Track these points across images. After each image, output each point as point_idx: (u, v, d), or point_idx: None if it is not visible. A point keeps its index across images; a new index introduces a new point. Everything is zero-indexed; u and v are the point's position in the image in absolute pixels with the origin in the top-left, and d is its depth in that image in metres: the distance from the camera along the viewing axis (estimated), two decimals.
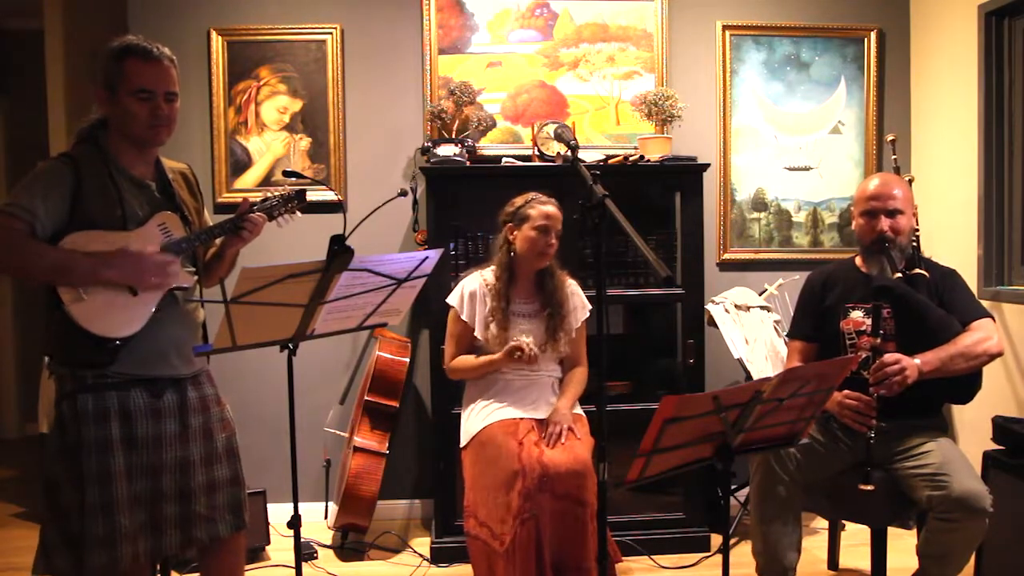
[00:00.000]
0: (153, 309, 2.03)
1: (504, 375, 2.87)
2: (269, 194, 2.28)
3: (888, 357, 2.43)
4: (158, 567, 2.35)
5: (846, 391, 2.50)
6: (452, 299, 2.94)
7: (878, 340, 2.47)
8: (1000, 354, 2.51)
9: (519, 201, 2.89)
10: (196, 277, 2.20)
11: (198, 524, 2.13)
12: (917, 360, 2.43)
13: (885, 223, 2.58)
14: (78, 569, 1.98)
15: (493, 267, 2.92)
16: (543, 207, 2.85)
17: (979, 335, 2.49)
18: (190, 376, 2.18)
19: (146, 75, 2.05)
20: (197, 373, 2.21)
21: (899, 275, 2.55)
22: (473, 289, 2.91)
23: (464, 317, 2.89)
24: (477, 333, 2.87)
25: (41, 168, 2.03)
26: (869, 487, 2.40)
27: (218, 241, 2.27)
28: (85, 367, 2.02)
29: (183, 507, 2.11)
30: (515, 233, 2.86)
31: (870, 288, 2.58)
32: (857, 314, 2.62)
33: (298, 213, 2.30)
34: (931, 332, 2.49)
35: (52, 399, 2.09)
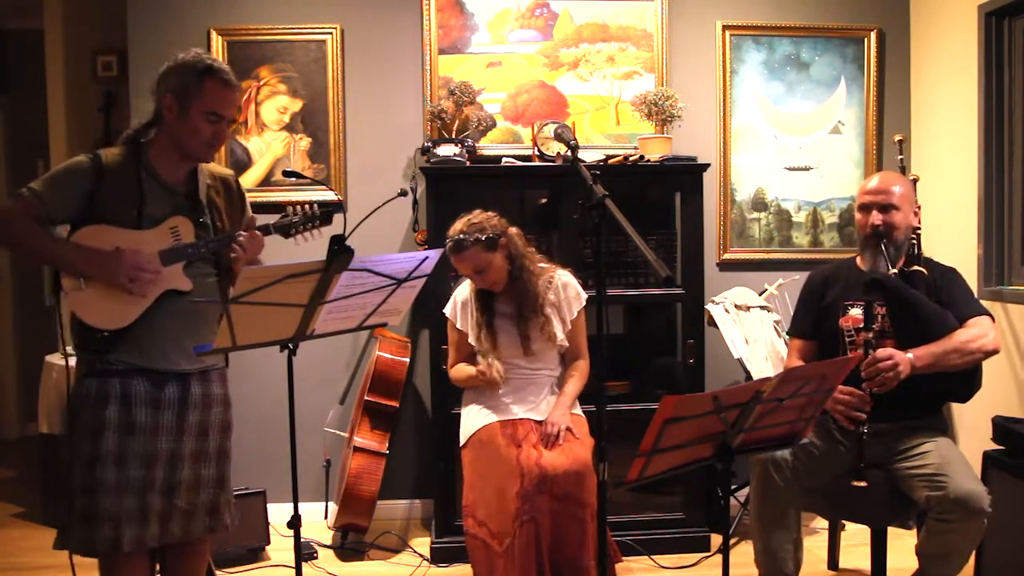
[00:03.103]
0: (146, 306, 2.09)
1: None
2: (290, 210, 2.26)
3: (880, 352, 2.43)
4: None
5: (840, 386, 2.50)
6: (447, 310, 2.98)
7: (871, 335, 2.47)
8: (996, 351, 2.50)
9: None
10: (217, 279, 2.23)
11: (175, 519, 2.15)
12: (910, 355, 2.44)
13: (877, 217, 2.59)
14: (80, 543, 2.06)
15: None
16: (456, 263, 2.81)
17: (975, 331, 2.49)
18: (196, 372, 2.20)
19: (222, 100, 2.13)
20: (205, 370, 2.23)
21: (895, 271, 2.56)
22: (464, 297, 2.94)
23: (459, 326, 2.93)
24: (471, 340, 2.89)
25: (65, 163, 2.13)
26: (862, 483, 2.40)
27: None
28: (90, 352, 2.10)
29: (166, 500, 2.13)
30: None
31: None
32: (856, 312, 2.62)
33: (320, 232, 2.27)
34: (926, 327, 2.49)
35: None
